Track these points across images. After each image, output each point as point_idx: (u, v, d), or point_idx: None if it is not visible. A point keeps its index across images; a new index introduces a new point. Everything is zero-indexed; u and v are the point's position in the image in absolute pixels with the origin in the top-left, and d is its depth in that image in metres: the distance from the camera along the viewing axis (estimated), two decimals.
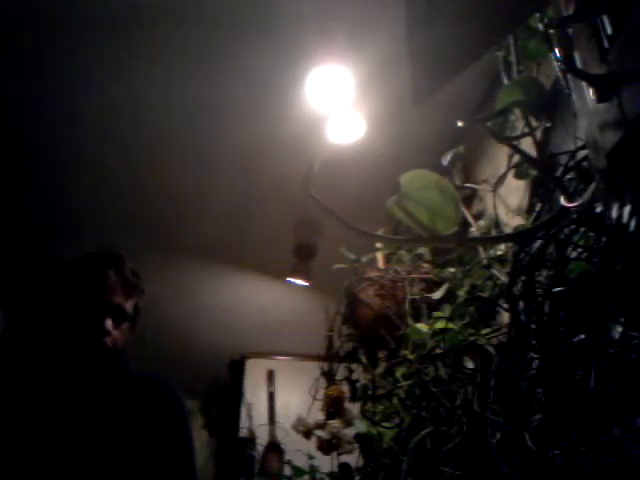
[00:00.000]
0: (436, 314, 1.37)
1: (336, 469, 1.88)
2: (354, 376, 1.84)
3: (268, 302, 3.14)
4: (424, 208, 0.88)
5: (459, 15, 0.78)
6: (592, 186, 0.75)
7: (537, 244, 0.97)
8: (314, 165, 0.88)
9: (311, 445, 1.93)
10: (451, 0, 0.82)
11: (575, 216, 0.86)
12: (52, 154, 2.12)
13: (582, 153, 0.91)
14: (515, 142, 0.97)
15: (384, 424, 1.56)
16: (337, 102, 1.84)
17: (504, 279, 1.16)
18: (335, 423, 1.82)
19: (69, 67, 1.75)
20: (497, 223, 1.44)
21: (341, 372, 1.89)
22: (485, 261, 1.29)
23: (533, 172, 1.14)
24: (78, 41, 1.67)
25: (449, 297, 1.46)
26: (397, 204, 0.88)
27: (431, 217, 0.88)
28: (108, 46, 1.68)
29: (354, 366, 1.84)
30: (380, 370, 1.66)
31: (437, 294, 1.50)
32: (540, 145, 0.93)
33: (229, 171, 2.19)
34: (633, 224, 0.63)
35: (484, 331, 1.23)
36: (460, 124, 1.05)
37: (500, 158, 1.59)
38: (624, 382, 0.72)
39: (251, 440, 3.35)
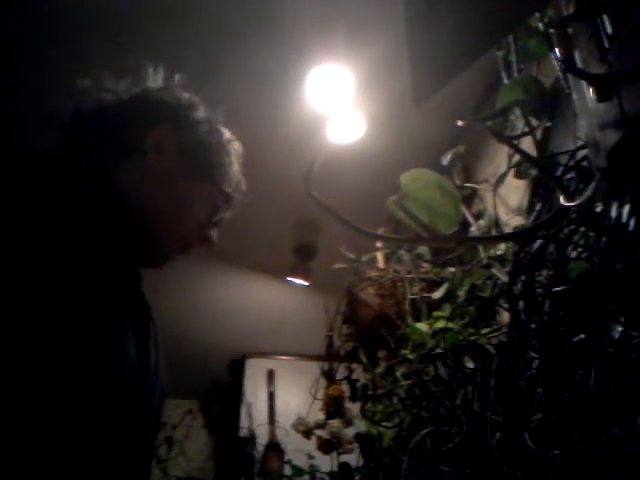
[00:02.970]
0: (436, 314, 1.36)
1: (336, 469, 1.88)
2: (354, 376, 1.84)
3: (268, 302, 3.14)
4: (425, 207, 0.88)
5: (459, 15, 0.78)
6: (592, 185, 0.75)
7: (537, 244, 0.97)
8: (314, 164, 0.88)
9: (311, 445, 1.93)
10: (451, 0, 0.82)
11: (575, 216, 0.86)
12: None
13: (582, 152, 0.91)
14: (515, 142, 0.97)
15: (384, 424, 1.56)
16: (337, 102, 1.84)
17: (504, 279, 1.16)
18: (335, 423, 1.81)
19: None
20: (497, 223, 1.44)
21: (341, 372, 1.89)
22: (485, 261, 1.29)
23: (533, 172, 1.14)
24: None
25: (449, 297, 1.45)
26: (397, 203, 0.88)
27: (432, 216, 0.88)
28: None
29: (354, 366, 1.84)
30: (380, 370, 1.66)
31: (437, 294, 1.50)
32: (540, 145, 0.93)
33: None
34: (632, 223, 0.63)
35: (484, 331, 1.23)
36: (460, 124, 1.05)
37: (500, 158, 1.59)
38: (624, 382, 0.72)
39: (251, 440, 3.34)
